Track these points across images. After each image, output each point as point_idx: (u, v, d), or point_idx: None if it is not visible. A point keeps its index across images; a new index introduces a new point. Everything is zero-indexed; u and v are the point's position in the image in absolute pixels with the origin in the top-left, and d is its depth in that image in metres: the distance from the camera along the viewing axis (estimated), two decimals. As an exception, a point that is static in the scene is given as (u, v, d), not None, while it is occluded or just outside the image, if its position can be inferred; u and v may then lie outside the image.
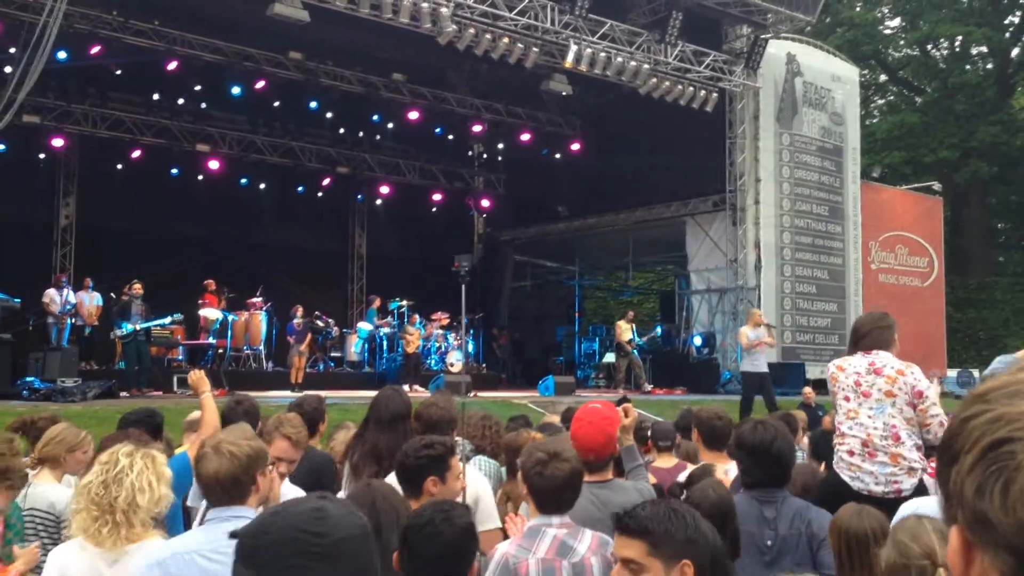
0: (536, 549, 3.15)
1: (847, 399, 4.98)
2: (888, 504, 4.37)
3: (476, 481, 4.14)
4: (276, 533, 1.59)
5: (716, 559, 2.55)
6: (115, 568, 3.06)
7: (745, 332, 13.80)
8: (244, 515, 2.86)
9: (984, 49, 35.13)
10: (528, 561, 3.11)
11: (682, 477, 4.95)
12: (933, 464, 4.59)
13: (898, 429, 4.76)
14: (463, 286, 5.27)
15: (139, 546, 3.10)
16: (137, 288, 14.60)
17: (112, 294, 16.22)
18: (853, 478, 4.77)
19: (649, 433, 6.21)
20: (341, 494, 4.55)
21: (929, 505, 3.53)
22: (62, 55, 15.79)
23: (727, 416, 5.48)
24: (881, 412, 4.80)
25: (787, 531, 3.62)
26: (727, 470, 4.95)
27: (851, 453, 4.83)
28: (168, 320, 15.21)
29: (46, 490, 4.44)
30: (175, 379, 14.69)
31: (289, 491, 4.24)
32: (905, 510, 3.52)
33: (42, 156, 18.88)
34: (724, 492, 3.34)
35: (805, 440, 7.52)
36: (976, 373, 19.21)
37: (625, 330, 18.80)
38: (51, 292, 15.75)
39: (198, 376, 5.19)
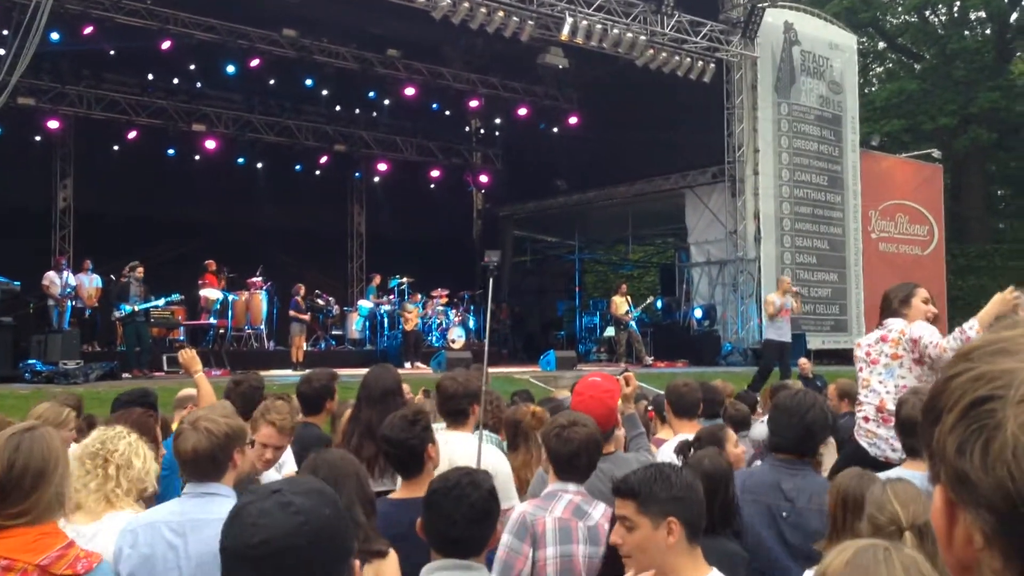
0: (553, 508, 3.24)
1: (860, 370, 5.10)
2: None
3: (495, 458, 4.16)
4: (231, 539, 1.63)
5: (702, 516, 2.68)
6: (90, 531, 3.01)
7: (772, 299, 13.73)
8: (218, 491, 2.93)
9: (983, 14, 34.88)
10: (545, 519, 3.19)
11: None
12: None
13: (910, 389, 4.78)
14: (491, 280, 5.27)
15: (115, 515, 3.07)
16: (139, 271, 14.61)
17: (112, 276, 16.23)
18: (871, 444, 4.81)
19: (651, 405, 6.23)
20: None
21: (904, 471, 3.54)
22: (55, 36, 15.73)
23: (694, 383, 5.53)
24: (891, 375, 4.84)
25: (805, 505, 3.55)
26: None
27: (866, 419, 4.88)
28: (163, 301, 15.23)
29: None
30: (164, 358, 14.68)
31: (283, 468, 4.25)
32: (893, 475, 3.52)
33: (38, 139, 18.82)
34: (720, 462, 3.37)
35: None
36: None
37: (620, 304, 18.81)
38: (51, 275, 15.75)
39: (189, 355, 5.17)
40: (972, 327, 4.48)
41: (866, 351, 5.06)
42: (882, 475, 3.51)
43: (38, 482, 2.43)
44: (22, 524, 2.40)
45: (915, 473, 3.51)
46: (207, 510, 2.82)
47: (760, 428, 5.13)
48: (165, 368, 14.54)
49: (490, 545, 2.83)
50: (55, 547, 2.40)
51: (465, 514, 2.73)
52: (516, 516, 3.25)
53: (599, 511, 3.28)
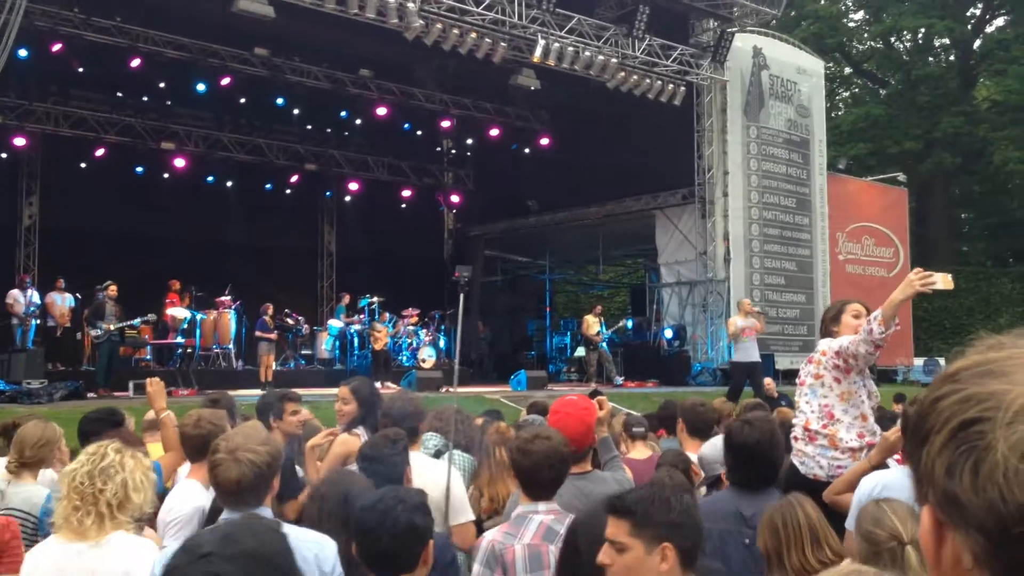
0: (522, 535, 3.19)
1: (795, 393, 5.16)
2: None
3: (448, 474, 4.16)
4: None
5: (700, 546, 2.58)
6: (95, 553, 3.02)
7: (734, 321, 13.92)
8: (263, 515, 2.90)
9: (946, 41, 35.55)
10: (514, 547, 3.15)
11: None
12: (881, 438, 4.62)
13: (831, 407, 4.79)
14: (462, 295, 5.26)
15: (120, 534, 3.06)
16: (112, 290, 14.47)
17: (78, 294, 16.05)
18: (800, 463, 4.85)
19: (621, 425, 6.24)
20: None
21: (887, 478, 3.56)
22: (23, 53, 15.56)
23: (710, 403, 5.57)
24: (814, 395, 4.86)
25: None
26: (701, 455, 5.01)
27: (795, 439, 4.94)
28: (139, 321, 15.12)
29: (28, 490, 4.40)
30: (131, 384, 13.79)
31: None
32: (865, 484, 3.54)
33: (3, 155, 18.62)
34: (680, 480, 3.33)
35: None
36: (942, 361, 19.45)
37: (592, 324, 18.87)
38: (15, 293, 15.56)
39: (157, 388, 4.96)
40: (876, 317, 4.46)
41: (798, 375, 5.13)
42: (869, 481, 3.53)
43: None
44: None
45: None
46: None
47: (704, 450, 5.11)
48: (131, 393, 14.21)
49: (425, 563, 2.76)
50: None
51: (389, 530, 2.69)
52: (485, 545, 3.20)
53: None
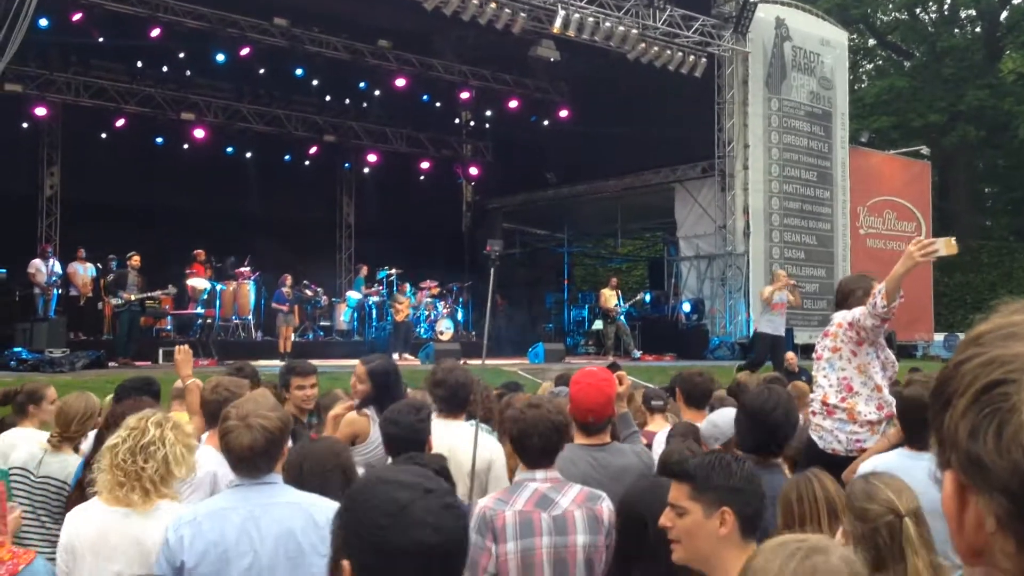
0: (514, 502, 3.19)
1: (813, 369, 5.14)
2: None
3: (491, 447, 4.19)
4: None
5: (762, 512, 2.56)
6: (140, 520, 3.13)
7: (767, 290, 13.79)
8: (274, 480, 2.99)
9: (972, 12, 35.05)
10: (505, 513, 3.15)
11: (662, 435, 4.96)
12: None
13: (850, 380, 4.78)
14: (492, 269, 5.17)
15: (167, 503, 3.18)
16: (135, 260, 14.58)
17: (98, 264, 16.16)
18: (819, 438, 4.84)
19: (640, 398, 6.24)
20: None
21: (885, 461, 3.54)
22: (43, 22, 15.59)
23: (708, 374, 5.54)
24: (832, 368, 4.84)
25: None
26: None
27: (813, 414, 4.95)
28: (159, 293, 15.27)
29: (64, 459, 4.48)
30: (160, 351, 14.63)
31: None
32: (863, 469, 3.52)
33: (25, 125, 18.68)
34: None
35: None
36: (963, 336, 19.34)
37: (609, 297, 18.85)
38: (37, 262, 15.69)
39: (184, 356, 5.08)
40: (880, 291, 4.42)
41: (815, 349, 5.12)
42: (866, 467, 3.51)
43: None
44: None
45: (918, 454, 3.52)
46: (270, 495, 2.93)
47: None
48: (161, 360, 14.44)
49: None
50: None
51: None
52: (477, 511, 3.20)
53: (569, 497, 3.21)
